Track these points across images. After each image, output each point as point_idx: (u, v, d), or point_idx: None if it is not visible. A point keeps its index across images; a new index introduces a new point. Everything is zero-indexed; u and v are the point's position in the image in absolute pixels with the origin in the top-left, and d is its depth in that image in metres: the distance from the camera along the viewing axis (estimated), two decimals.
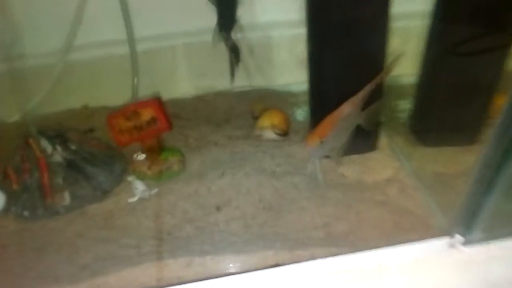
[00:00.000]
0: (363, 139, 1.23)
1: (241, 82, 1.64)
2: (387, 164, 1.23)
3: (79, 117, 1.56)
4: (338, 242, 1.00)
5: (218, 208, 1.13)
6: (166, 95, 1.63)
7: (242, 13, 1.44)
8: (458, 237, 0.91)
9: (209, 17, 1.41)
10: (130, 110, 1.20)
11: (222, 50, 1.49)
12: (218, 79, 1.64)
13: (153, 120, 1.20)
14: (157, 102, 1.20)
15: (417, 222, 1.03)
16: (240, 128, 1.46)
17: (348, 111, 0.97)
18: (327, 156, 1.08)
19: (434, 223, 1.02)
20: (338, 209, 1.09)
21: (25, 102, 1.54)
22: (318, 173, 1.11)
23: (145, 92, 1.60)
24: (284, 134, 1.35)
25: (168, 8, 1.51)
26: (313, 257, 0.95)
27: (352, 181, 1.19)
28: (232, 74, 1.49)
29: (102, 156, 1.23)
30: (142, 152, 1.26)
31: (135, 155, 1.26)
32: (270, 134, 1.33)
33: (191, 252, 0.99)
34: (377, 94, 1.04)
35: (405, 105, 1.45)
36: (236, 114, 1.58)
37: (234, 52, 1.45)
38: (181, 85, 1.68)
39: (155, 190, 1.18)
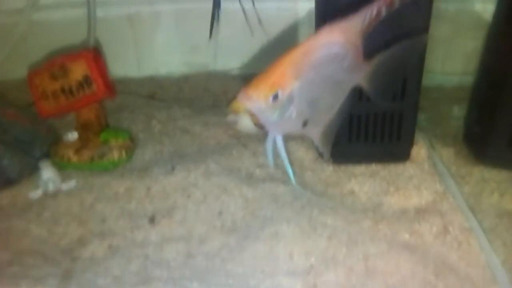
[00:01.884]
0: (388, 138, 0.82)
1: (241, 62, 1.27)
2: (424, 185, 0.80)
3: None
4: None
5: (152, 220, 0.75)
6: (146, 71, 1.31)
7: None
8: None
9: None
10: (56, 64, 0.85)
11: (223, 19, 1.13)
12: (215, 56, 1.27)
13: (86, 81, 0.85)
14: (93, 55, 0.84)
15: None
16: (227, 116, 1.07)
17: (330, 46, 0.52)
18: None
19: None
20: (333, 245, 0.68)
21: None
22: (286, 161, 0.61)
23: (120, 67, 1.26)
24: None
25: None
26: None
27: (366, 203, 0.78)
28: (211, 30, 1.11)
29: (18, 132, 0.88)
30: (77, 130, 0.91)
31: (66, 134, 0.90)
32: (247, 123, 0.94)
33: (77, 283, 0.60)
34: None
35: (458, 112, 1.05)
36: (229, 100, 1.20)
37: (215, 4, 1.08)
38: (168, 60, 1.33)
39: (70, 184, 0.81)
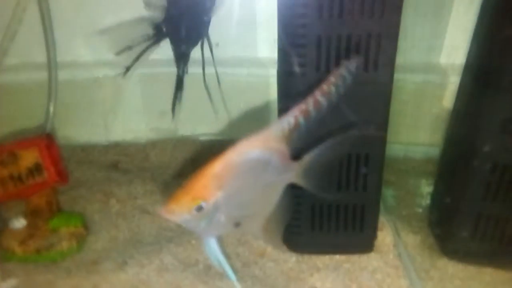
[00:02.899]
0: (352, 229, 0.79)
1: (211, 128, 1.25)
2: (387, 281, 0.77)
3: None
4: None
5: None
6: (112, 137, 1.27)
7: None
8: None
9: None
10: (5, 151, 0.81)
11: (192, 84, 1.12)
12: (183, 122, 1.25)
13: (37, 168, 0.81)
14: (46, 142, 0.81)
15: None
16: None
17: (251, 153, 0.54)
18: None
19: None
20: None
21: None
22: (223, 263, 0.62)
23: (85, 132, 1.23)
24: None
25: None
26: None
27: None
28: (173, 110, 1.09)
29: None
30: (25, 216, 0.86)
31: (12, 221, 0.85)
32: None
33: None
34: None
35: (425, 188, 1.03)
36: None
37: (177, 85, 1.07)
38: (134, 125, 1.29)
39: (10, 283, 0.75)
